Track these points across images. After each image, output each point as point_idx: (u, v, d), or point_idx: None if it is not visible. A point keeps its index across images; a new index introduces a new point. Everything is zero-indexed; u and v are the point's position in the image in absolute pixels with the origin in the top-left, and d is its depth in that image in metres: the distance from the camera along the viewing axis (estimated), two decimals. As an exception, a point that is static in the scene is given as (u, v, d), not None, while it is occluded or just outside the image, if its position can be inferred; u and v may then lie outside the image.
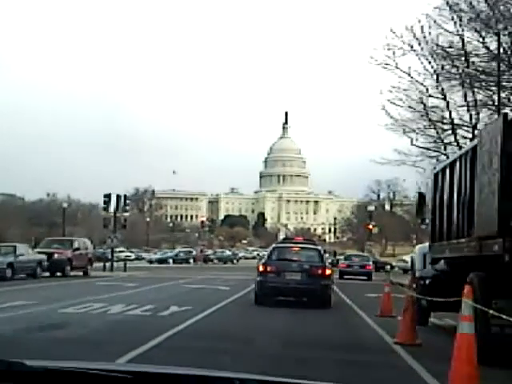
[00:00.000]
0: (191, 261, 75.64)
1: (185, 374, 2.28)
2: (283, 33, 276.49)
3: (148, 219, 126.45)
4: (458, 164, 11.25)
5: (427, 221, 14.64)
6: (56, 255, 33.55)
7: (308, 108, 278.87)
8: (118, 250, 76.54)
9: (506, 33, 28.22)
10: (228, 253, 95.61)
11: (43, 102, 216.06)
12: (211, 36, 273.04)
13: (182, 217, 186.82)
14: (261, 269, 19.50)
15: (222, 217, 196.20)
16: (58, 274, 33.60)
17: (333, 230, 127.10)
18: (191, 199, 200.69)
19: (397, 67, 31.62)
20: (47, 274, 33.19)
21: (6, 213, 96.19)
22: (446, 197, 11.97)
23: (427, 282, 12.78)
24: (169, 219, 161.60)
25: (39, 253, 33.26)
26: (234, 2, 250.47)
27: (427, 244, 15.02)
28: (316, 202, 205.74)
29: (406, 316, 10.84)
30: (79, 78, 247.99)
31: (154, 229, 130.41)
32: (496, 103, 29.27)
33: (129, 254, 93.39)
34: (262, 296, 19.12)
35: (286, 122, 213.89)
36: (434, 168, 13.96)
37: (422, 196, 15.28)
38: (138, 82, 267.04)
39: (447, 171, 12.03)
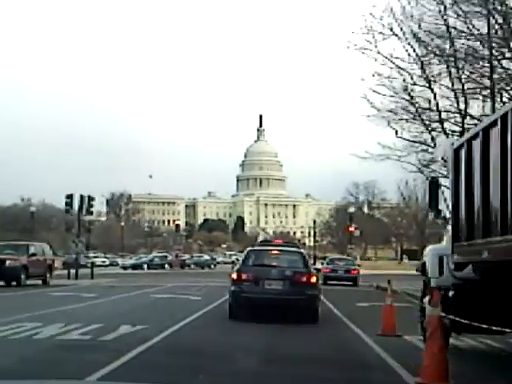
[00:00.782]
0: (167, 266, 72.50)
1: None
2: (253, 31, 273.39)
3: (123, 223, 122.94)
4: (494, 130, 8.13)
5: (445, 213, 11.56)
6: (8, 262, 30.01)
7: (283, 110, 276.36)
8: (92, 255, 74.09)
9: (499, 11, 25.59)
10: (206, 257, 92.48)
11: (19, 105, 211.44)
12: (185, 42, 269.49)
13: (159, 221, 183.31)
14: (234, 276, 16.36)
15: (199, 221, 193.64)
16: (14, 283, 30.27)
17: (312, 233, 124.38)
18: (168, 203, 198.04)
19: (378, 53, 28.79)
20: (2, 283, 29.86)
21: None
22: (476, 178, 8.85)
23: (450, 294, 9.70)
24: (146, 224, 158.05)
25: (-12, 260, 29.76)
26: (204, 5, 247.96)
27: (442, 244, 11.96)
28: (294, 205, 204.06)
29: (433, 345, 7.64)
30: (55, 81, 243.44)
31: (130, 234, 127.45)
32: (486, 90, 26.81)
33: (103, 259, 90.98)
34: (236, 308, 16.06)
35: (261, 125, 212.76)
36: (453, 143, 10.76)
37: (435, 182, 12.11)
38: (114, 87, 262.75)
39: (477, 143, 8.91)
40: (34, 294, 25.38)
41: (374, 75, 29.12)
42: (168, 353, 10.28)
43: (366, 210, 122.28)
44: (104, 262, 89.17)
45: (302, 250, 19.20)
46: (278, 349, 11.52)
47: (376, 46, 28.58)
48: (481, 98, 28.83)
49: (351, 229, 69.46)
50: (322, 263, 45.44)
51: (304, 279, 16.15)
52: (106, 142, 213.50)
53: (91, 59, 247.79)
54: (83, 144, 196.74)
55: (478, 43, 27.24)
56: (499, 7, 25.90)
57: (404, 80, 29.63)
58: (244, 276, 16.19)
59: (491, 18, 25.94)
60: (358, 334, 13.78)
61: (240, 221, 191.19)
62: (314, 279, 16.46)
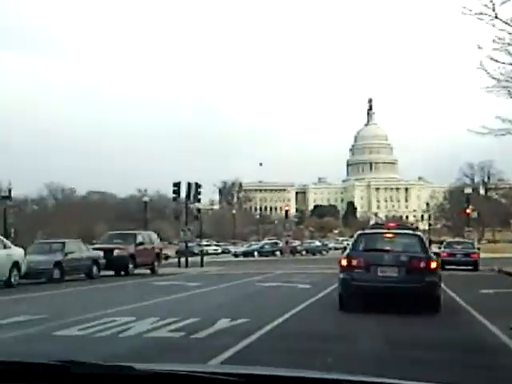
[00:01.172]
0: (278, 253, 71.77)
1: (294, 377, 2.23)
2: (358, 10, 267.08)
3: (234, 211, 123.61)
4: None
5: None
6: (116, 251, 29.73)
7: (393, 91, 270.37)
8: (204, 243, 74.98)
9: None
10: (317, 243, 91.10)
11: (133, 99, 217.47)
12: (293, 26, 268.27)
13: (270, 208, 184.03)
14: (344, 263, 14.88)
15: (310, 207, 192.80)
16: (123, 272, 30.02)
17: (426, 216, 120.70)
18: (279, 190, 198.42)
19: (496, 17, 26.28)
20: (111, 272, 29.63)
21: (96, 210, 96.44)
22: None
23: None
24: (258, 211, 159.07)
25: (96, 249, 29.60)
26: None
27: None
28: (406, 188, 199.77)
29: None
30: (165, 74, 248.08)
31: (242, 221, 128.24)
32: None
33: (216, 247, 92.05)
34: (347, 298, 14.61)
35: (371, 109, 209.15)
36: None
37: None
38: (222, 76, 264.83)
39: None
40: (139, 284, 24.84)
41: (494, 41, 26.70)
42: (271, 347, 9.02)
43: (481, 191, 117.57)
44: (216, 250, 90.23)
45: (419, 233, 17.47)
46: (396, 337, 10.41)
47: (494, 11, 26.20)
48: None
49: (468, 211, 66.12)
50: (439, 247, 43.12)
51: (422, 265, 14.49)
52: (218, 131, 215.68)
53: (202, 51, 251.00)
54: (196, 135, 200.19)
55: None
56: None
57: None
58: (354, 262, 14.71)
59: None
60: (486, 326, 12.03)
61: (351, 206, 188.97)
62: (433, 265, 14.75)
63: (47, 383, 2.10)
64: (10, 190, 56.27)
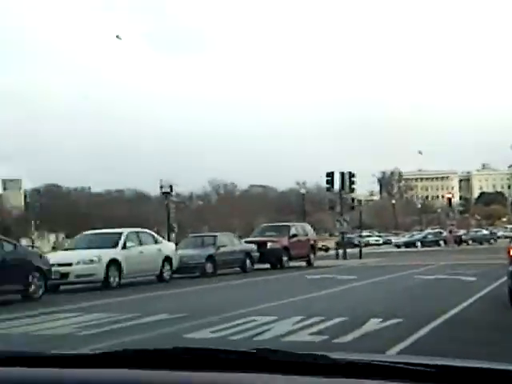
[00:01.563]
0: (441, 243, 69.31)
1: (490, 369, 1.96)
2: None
3: (393, 201, 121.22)
4: None
5: None
6: (269, 244, 29.18)
7: None
8: (365, 234, 73.89)
9: None
10: (484, 232, 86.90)
11: (287, 93, 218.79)
12: (449, 15, 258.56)
13: (432, 197, 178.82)
14: (513, 253, 13.14)
15: (475, 195, 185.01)
16: (278, 265, 29.45)
17: None
18: (441, 178, 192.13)
19: None
20: (267, 265, 29.15)
21: (257, 203, 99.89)
22: None
23: None
24: (420, 200, 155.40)
25: (250, 242, 29.20)
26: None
27: None
28: None
29: None
30: (319, 71, 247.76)
31: (404, 211, 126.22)
32: None
33: (377, 238, 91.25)
34: (517, 294, 12.84)
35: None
36: None
37: None
38: (376, 68, 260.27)
39: None
40: (292, 278, 24.07)
41: None
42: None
43: None
44: (377, 240, 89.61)
45: None
46: None
47: None
48: None
49: None
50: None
51: None
52: (375, 123, 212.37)
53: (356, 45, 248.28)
54: (352, 127, 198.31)
55: None
56: None
57: None
58: (526, 253, 12.92)
59: None
60: None
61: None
62: None
63: (240, 370, 2.01)
64: (171, 187, 57.66)
